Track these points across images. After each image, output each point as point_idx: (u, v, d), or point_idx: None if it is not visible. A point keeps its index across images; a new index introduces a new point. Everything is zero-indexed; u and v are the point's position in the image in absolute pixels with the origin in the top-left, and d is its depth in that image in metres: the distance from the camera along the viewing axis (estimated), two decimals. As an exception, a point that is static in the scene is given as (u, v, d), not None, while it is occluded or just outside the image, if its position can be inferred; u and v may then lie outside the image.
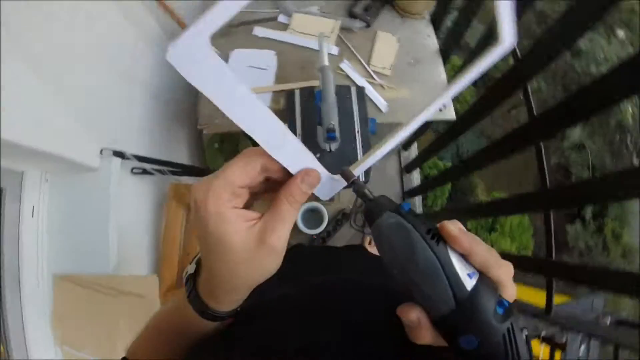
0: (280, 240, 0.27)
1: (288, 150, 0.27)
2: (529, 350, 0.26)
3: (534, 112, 0.96)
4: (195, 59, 0.21)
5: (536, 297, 1.11)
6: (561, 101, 0.81)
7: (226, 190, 0.26)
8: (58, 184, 0.98)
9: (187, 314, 0.32)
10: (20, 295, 0.90)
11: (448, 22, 1.35)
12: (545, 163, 0.96)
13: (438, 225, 0.27)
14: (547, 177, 0.95)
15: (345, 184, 0.32)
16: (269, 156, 0.27)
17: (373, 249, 1.23)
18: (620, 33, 3.91)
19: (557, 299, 1.54)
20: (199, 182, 0.27)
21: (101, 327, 0.94)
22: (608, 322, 1.34)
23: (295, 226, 1.35)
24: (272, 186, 0.30)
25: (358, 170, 0.32)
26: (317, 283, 0.45)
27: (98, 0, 1.05)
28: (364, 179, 0.98)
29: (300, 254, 0.71)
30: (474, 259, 0.26)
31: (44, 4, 0.80)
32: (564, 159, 3.82)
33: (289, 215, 0.28)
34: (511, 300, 0.27)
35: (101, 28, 1.06)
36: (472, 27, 1.25)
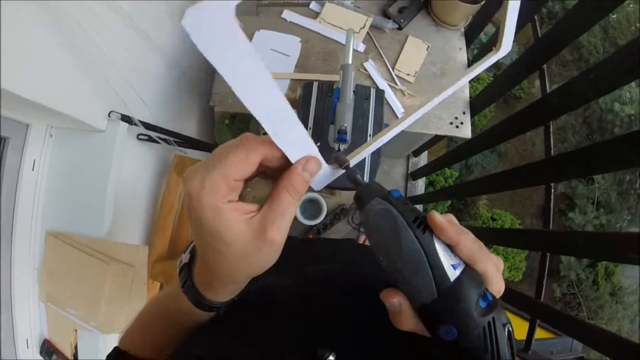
0: (280, 233, 0.27)
1: (292, 137, 0.26)
2: (512, 346, 0.26)
3: (552, 152, 0.94)
4: (216, 31, 0.19)
5: (519, 327, 1.11)
6: (578, 149, 0.80)
7: (223, 185, 0.24)
8: (62, 140, 0.98)
9: (181, 303, 0.32)
10: (12, 246, 0.91)
11: (482, 37, 1.32)
12: (552, 203, 0.94)
13: (427, 214, 0.27)
14: (551, 217, 0.93)
15: (338, 174, 0.32)
16: (271, 145, 0.26)
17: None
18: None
19: (540, 334, 1.55)
20: (193, 170, 0.25)
21: (87, 289, 0.94)
22: None
23: (295, 218, 1.34)
24: (264, 171, 0.28)
25: (354, 160, 0.33)
26: (315, 277, 0.45)
27: None
28: (367, 179, 0.97)
29: (295, 244, 0.70)
30: (460, 250, 0.26)
31: None
32: (571, 190, 3.79)
33: (289, 207, 0.27)
34: (498, 295, 0.28)
35: None
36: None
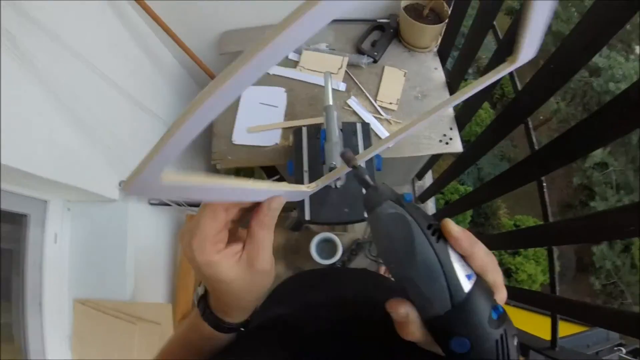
0: (266, 262, 0.31)
1: (256, 194, 0.31)
2: (519, 357, 0.26)
3: (535, 147, 0.97)
4: (154, 189, 0.22)
5: (544, 326, 1.09)
6: (557, 137, 0.82)
7: (206, 243, 0.29)
8: (79, 212, 1.04)
9: (202, 330, 0.36)
10: (42, 318, 0.94)
11: (454, 53, 1.38)
12: (546, 197, 0.96)
13: (440, 222, 0.27)
14: (548, 210, 0.95)
15: (313, 191, 0.36)
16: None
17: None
18: (637, 49, 3.83)
19: (574, 329, 1.50)
20: (182, 235, 0.31)
21: (117, 351, 0.98)
22: (624, 353, 1.29)
23: (310, 257, 1.37)
24: (245, 215, 0.34)
25: (362, 161, 0.34)
26: (319, 301, 0.49)
27: (118, 35, 1.12)
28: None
29: (306, 276, 0.74)
30: (473, 261, 0.26)
31: (63, 34, 0.87)
32: (587, 179, 3.72)
33: (265, 240, 0.31)
34: (503, 303, 0.28)
35: (122, 61, 1.14)
36: (488, 50, 1.26)
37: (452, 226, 0.26)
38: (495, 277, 0.27)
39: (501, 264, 3.24)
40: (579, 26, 0.70)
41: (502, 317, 0.25)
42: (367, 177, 0.30)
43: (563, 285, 3.47)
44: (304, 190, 0.37)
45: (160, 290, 1.28)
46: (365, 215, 0.30)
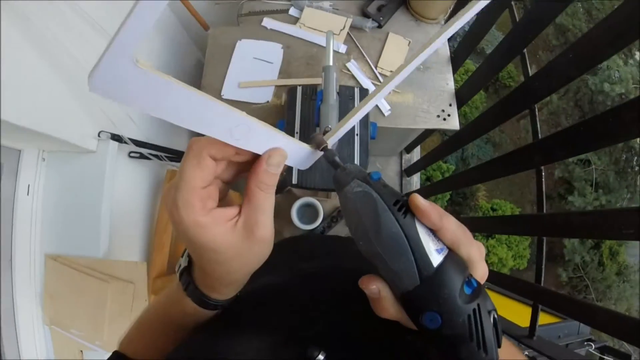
0: (267, 229, 0.28)
1: (254, 136, 0.27)
2: (497, 334, 0.25)
3: (539, 135, 0.95)
4: (123, 81, 0.19)
5: (523, 314, 1.11)
6: (565, 129, 0.80)
7: (194, 198, 0.25)
8: (55, 163, 0.98)
9: (184, 306, 0.32)
10: (12, 273, 0.91)
11: (464, 28, 1.32)
12: (544, 187, 0.95)
13: (408, 197, 0.26)
14: (544, 201, 0.94)
15: (318, 155, 0.32)
16: (215, 144, 0.26)
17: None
18: (638, 54, 3.84)
19: (546, 319, 1.54)
20: (166, 191, 0.26)
21: (89, 309, 0.96)
22: (593, 348, 1.34)
23: (290, 221, 1.34)
24: (243, 169, 0.29)
25: (332, 140, 0.32)
26: (308, 273, 0.45)
27: None
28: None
29: (292, 242, 0.71)
30: (443, 235, 0.26)
31: None
32: (568, 174, 3.80)
33: (266, 203, 0.28)
34: (482, 281, 0.27)
35: (111, 7, 1.05)
36: (489, 33, 1.21)
37: (419, 200, 0.25)
38: (470, 251, 0.26)
39: (472, 244, 3.31)
40: (608, 20, 0.67)
41: (476, 292, 0.25)
42: (337, 159, 0.30)
43: (531, 272, 3.61)
44: (307, 150, 0.32)
45: (136, 248, 1.24)
46: (336, 190, 0.29)
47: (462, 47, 1.30)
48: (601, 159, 3.86)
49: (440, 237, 0.26)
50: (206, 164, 0.26)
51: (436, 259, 0.25)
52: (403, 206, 0.26)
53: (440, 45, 0.30)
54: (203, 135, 0.25)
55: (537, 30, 0.91)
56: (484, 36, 1.23)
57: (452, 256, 0.26)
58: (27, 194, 0.94)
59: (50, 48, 0.80)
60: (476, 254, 0.27)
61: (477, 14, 0.29)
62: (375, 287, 0.26)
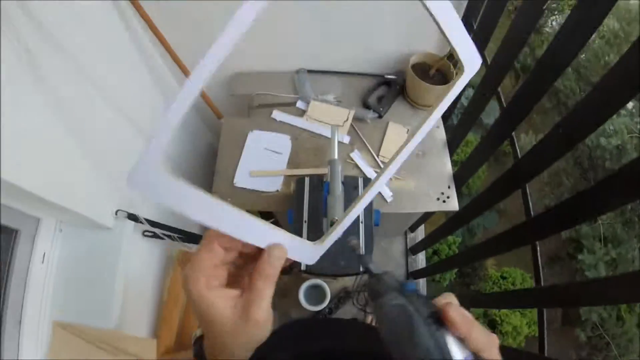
0: (262, 313, 0.30)
1: (255, 232, 0.31)
2: None
3: (531, 213, 0.99)
4: (153, 185, 0.26)
5: None
6: (555, 206, 0.83)
7: (201, 276, 0.30)
8: (71, 235, 1.02)
9: None
10: (19, 336, 0.90)
11: (458, 113, 1.42)
12: (539, 261, 0.98)
13: (441, 307, 0.28)
14: (541, 276, 0.97)
15: (323, 249, 0.36)
16: (224, 236, 0.31)
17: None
18: (630, 104, 3.98)
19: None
20: (185, 268, 0.31)
21: None
22: None
23: (298, 302, 1.36)
24: (248, 260, 0.34)
25: (328, 241, 0.36)
26: (315, 351, 0.48)
27: (136, 68, 1.15)
28: (362, 251, 1.00)
29: (302, 325, 0.73)
30: (471, 342, 0.27)
31: (86, 63, 0.88)
32: (575, 232, 3.78)
33: (265, 290, 0.31)
34: None
35: (135, 92, 1.15)
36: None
37: (451, 313, 0.27)
38: (492, 354, 0.28)
39: (486, 315, 3.22)
40: (592, 93, 0.70)
41: None
42: (372, 266, 0.32)
43: (548, 337, 3.46)
44: (309, 247, 0.36)
45: (144, 323, 1.25)
46: (369, 298, 0.32)
47: (457, 130, 1.40)
48: (607, 214, 3.86)
49: (467, 344, 0.27)
50: (215, 250, 0.30)
51: None
52: (437, 319, 0.28)
53: (428, 130, 0.36)
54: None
55: (525, 111, 0.97)
56: (474, 123, 1.32)
57: None
58: (42, 262, 0.96)
59: (75, 125, 0.87)
60: (497, 355, 0.29)
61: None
62: None
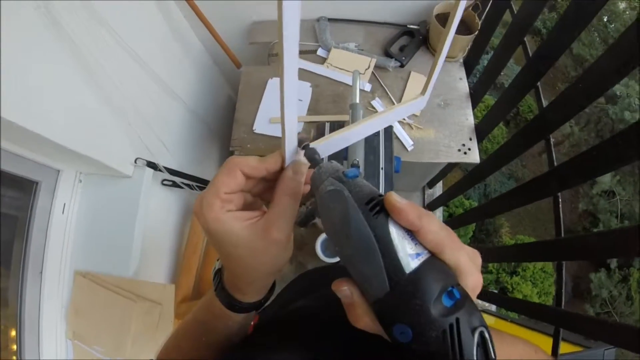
0: (282, 232, 0.28)
1: (291, 146, 0.30)
2: (487, 354, 0.21)
3: (554, 163, 0.97)
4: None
5: (545, 345, 1.09)
6: (578, 154, 0.82)
7: (216, 198, 0.28)
8: (91, 185, 1.04)
9: (215, 308, 0.35)
10: (41, 285, 0.94)
11: (481, 65, 1.38)
12: (561, 213, 0.96)
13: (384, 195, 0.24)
14: (562, 226, 0.95)
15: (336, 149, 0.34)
16: (248, 163, 0.29)
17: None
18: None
19: (569, 348, 1.49)
20: (198, 197, 0.30)
21: (113, 327, 0.97)
22: None
23: (315, 254, 1.37)
24: (269, 186, 0.32)
25: (322, 147, 0.32)
26: (333, 298, 0.48)
27: (152, 17, 1.13)
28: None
29: (321, 272, 0.74)
30: (423, 237, 0.23)
31: (104, 12, 0.87)
32: (592, 206, 3.72)
33: (288, 209, 0.29)
34: (473, 293, 0.24)
35: (152, 42, 1.14)
36: (507, 67, 1.25)
37: (394, 198, 0.23)
38: (458, 257, 0.23)
39: (498, 282, 3.24)
40: (613, 48, 0.70)
41: (458, 305, 0.21)
42: (317, 157, 0.29)
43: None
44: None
45: (163, 271, 1.29)
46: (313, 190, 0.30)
47: (480, 83, 1.36)
48: (625, 189, 3.78)
49: (420, 240, 0.23)
50: (235, 175, 0.29)
51: (410, 263, 0.22)
52: (377, 205, 0.24)
53: (434, 80, 0.37)
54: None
55: (548, 64, 0.95)
56: (500, 72, 1.28)
57: (433, 262, 0.23)
58: (62, 213, 0.99)
59: (94, 73, 0.87)
60: (466, 262, 0.24)
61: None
62: (346, 289, 0.25)
